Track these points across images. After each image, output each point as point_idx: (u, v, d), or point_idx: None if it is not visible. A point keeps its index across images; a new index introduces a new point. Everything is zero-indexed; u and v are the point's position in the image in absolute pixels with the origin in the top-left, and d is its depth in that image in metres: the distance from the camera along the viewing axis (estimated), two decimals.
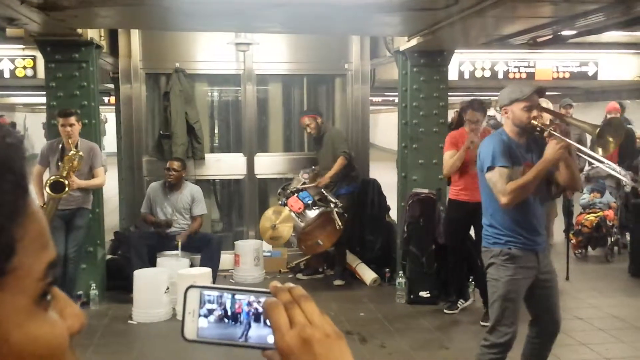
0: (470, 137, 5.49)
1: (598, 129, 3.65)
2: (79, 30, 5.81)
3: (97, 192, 6.18)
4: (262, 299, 0.85)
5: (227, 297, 0.87)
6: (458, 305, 6.00)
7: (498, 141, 3.55)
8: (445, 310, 6.01)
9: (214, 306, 0.87)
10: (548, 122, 3.70)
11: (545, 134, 3.46)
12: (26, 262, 0.59)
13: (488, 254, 3.61)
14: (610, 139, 3.65)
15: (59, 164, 5.55)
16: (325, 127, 7.10)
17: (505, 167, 3.45)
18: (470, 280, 6.08)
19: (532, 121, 3.50)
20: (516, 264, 3.51)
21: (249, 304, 0.86)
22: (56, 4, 4.51)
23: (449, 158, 5.64)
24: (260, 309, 0.85)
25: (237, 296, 0.87)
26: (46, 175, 5.74)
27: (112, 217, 8.56)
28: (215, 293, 0.87)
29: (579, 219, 7.89)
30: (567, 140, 3.47)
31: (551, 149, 3.37)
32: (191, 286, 0.88)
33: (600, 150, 3.62)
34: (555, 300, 3.70)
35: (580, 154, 3.67)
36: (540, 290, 3.61)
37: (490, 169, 3.48)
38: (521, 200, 3.44)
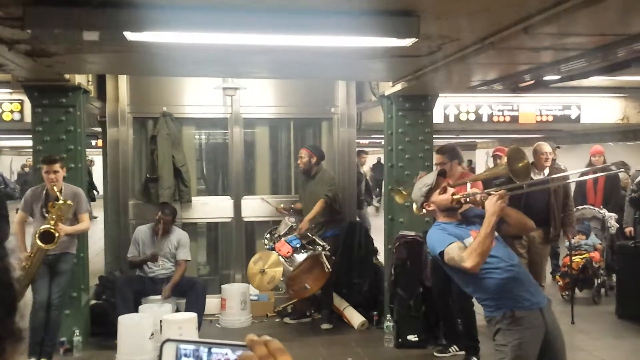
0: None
1: (506, 165, 3.67)
2: (67, 76, 5.82)
3: (82, 236, 6.12)
4: (239, 352, 0.85)
5: (203, 351, 0.87)
6: (450, 350, 5.92)
7: (436, 230, 3.56)
8: (435, 354, 5.93)
9: None
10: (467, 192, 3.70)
11: (479, 198, 3.48)
12: None
13: (492, 322, 3.48)
14: (523, 163, 3.70)
15: (43, 210, 5.49)
16: (318, 169, 7.11)
17: (454, 242, 3.41)
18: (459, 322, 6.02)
19: (454, 196, 3.55)
20: (522, 325, 3.39)
21: (226, 357, 0.86)
22: (44, 51, 4.54)
23: None
24: None
25: (213, 350, 0.87)
26: (29, 221, 5.70)
27: (97, 261, 8.47)
28: (192, 347, 0.87)
29: (565, 261, 7.89)
30: (500, 189, 3.44)
31: (489, 205, 3.34)
32: (167, 340, 0.88)
33: (533, 176, 3.63)
34: (563, 356, 3.55)
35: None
36: (548, 346, 3.46)
37: (442, 253, 3.42)
38: (484, 259, 3.33)
